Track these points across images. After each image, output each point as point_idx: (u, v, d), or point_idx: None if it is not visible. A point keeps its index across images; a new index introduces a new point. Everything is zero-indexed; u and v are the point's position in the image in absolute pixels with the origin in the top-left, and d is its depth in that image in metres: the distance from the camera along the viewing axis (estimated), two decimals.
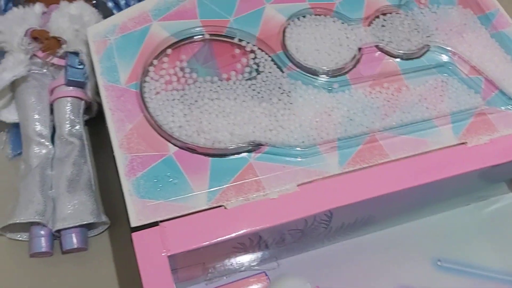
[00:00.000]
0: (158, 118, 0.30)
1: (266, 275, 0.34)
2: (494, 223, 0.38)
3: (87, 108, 0.37)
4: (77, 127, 0.35)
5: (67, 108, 0.35)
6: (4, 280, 0.33)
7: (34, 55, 0.35)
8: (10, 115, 0.36)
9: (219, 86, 0.31)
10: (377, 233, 0.36)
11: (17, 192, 0.33)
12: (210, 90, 0.31)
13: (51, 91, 0.35)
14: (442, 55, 0.35)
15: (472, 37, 0.36)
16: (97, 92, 0.35)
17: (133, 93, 0.31)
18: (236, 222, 0.27)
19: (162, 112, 0.30)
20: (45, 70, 0.36)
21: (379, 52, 0.35)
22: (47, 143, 0.34)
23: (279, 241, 0.30)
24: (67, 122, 0.34)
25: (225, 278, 0.33)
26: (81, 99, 0.35)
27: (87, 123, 0.37)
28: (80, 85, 0.35)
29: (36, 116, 0.34)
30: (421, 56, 0.35)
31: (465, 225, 0.37)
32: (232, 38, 0.34)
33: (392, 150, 0.31)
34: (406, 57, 0.35)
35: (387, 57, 0.35)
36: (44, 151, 0.34)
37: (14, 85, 0.35)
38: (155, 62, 0.32)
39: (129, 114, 0.30)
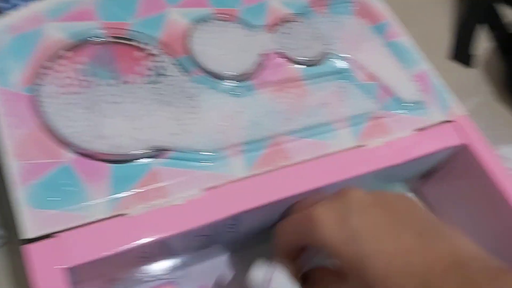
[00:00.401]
0: (55, 123, 0.28)
1: (176, 284, 0.33)
2: None
3: None
4: None
5: None
6: None
7: None
8: None
9: (121, 90, 0.30)
10: None
11: None
12: (112, 94, 0.30)
13: None
14: (341, 62, 0.37)
15: (368, 46, 0.39)
16: None
17: (26, 97, 0.29)
18: (139, 230, 0.26)
19: (59, 117, 0.28)
20: None
21: (282, 59, 0.36)
22: None
23: (186, 248, 0.30)
24: None
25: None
26: None
27: None
28: None
29: None
30: (321, 63, 0.36)
31: None
32: (134, 40, 0.33)
33: (295, 153, 0.31)
34: (308, 64, 0.36)
35: (290, 63, 0.36)
36: None
37: None
38: (50, 64, 0.30)
39: (23, 119, 0.28)
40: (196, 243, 0.30)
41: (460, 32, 0.55)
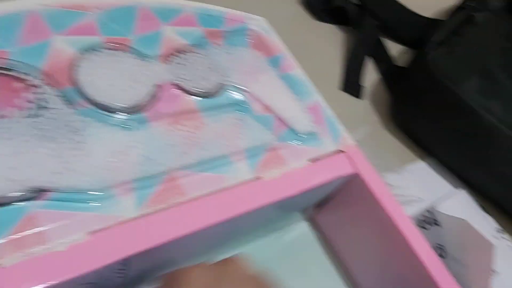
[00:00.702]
0: None
1: None
2: (293, 249, 0.40)
3: None
4: None
5: None
6: None
7: None
8: None
9: None
10: None
11: None
12: None
13: None
14: (237, 94, 0.37)
15: (264, 78, 0.39)
16: None
17: None
18: (14, 282, 0.23)
19: None
20: None
21: (178, 90, 0.35)
22: None
23: None
24: None
25: None
26: None
27: None
28: None
29: None
30: (217, 94, 0.36)
31: (269, 255, 0.39)
32: (12, 70, 0.30)
33: (190, 188, 0.30)
34: (204, 95, 0.35)
35: (186, 94, 0.35)
36: None
37: None
38: None
39: None
40: None
41: (349, 65, 0.58)
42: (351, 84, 0.56)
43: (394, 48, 0.63)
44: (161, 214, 0.29)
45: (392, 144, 0.54)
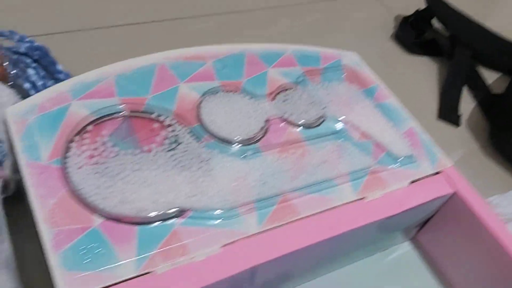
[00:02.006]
0: (82, 191, 0.31)
1: None
2: (396, 269, 0.42)
3: (3, 187, 0.36)
4: None
5: None
6: None
7: None
8: None
9: (140, 158, 0.33)
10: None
11: None
12: (132, 162, 0.33)
13: None
14: (336, 123, 0.41)
15: (360, 107, 0.42)
16: (15, 170, 0.35)
17: (55, 169, 0.31)
18: (164, 286, 0.28)
19: (86, 185, 0.31)
20: None
21: (283, 123, 0.39)
22: None
23: None
24: None
25: None
26: None
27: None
28: None
29: None
30: (318, 125, 0.40)
31: (372, 274, 0.41)
32: (151, 113, 0.36)
33: (302, 208, 0.34)
34: (306, 126, 0.40)
35: (291, 126, 0.39)
36: None
37: None
38: (76, 138, 0.33)
39: (52, 190, 0.30)
40: None
41: (445, 93, 0.60)
42: (449, 112, 0.58)
43: (489, 76, 0.64)
44: (279, 231, 0.33)
45: (492, 169, 0.54)
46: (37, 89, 0.42)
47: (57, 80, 0.45)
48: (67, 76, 0.46)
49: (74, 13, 0.59)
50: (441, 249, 0.42)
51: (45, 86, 0.43)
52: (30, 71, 0.43)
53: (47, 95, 0.35)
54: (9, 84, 0.40)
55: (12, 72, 0.42)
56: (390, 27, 0.69)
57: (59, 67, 0.46)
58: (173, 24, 0.61)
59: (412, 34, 0.66)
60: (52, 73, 0.46)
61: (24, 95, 0.38)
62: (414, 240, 0.45)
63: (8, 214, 0.36)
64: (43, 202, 0.30)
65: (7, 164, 0.36)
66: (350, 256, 0.41)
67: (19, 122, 0.33)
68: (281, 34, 0.63)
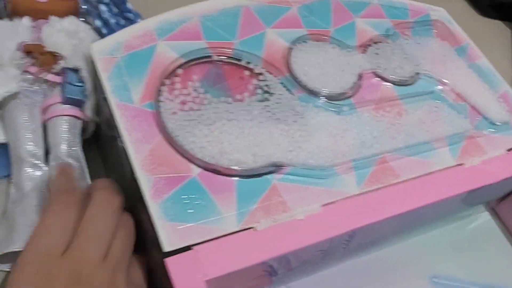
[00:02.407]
0: (178, 139, 0.29)
1: None
2: (475, 239, 0.41)
3: (82, 129, 0.34)
4: (75, 148, 0.32)
5: (64, 127, 0.32)
6: None
7: (25, 71, 0.33)
8: None
9: (234, 107, 0.31)
10: (376, 254, 0.37)
11: (10, 218, 0.30)
12: (226, 111, 0.31)
13: (44, 110, 0.33)
14: (431, 82, 0.38)
15: (454, 67, 0.39)
16: (96, 112, 0.34)
17: (148, 112, 0.29)
18: (267, 244, 0.27)
19: (182, 133, 0.29)
20: (36, 87, 0.33)
21: (376, 78, 0.37)
22: (41, 165, 0.32)
23: (303, 262, 0.30)
24: (64, 142, 0.32)
25: None
26: (78, 118, 0.33)
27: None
28: (78, 104, 0.33)
29: (29, 136, 0.32)
30: (413, 82, 0.37)
31: (452, 243, 0.40)
32: (240, 60, 0.34)
33: (401, 171, 0.32)
34: (401, 83, 0.37)
35: (384, 83, 0.36)
36: (38, 173, 0.31)
37: (2, 103, 0.33)
38: (167, 82, 0.31)
39: (147, 135, 0.29)
40: (312, 257, 0.30)
41: None
42: None
43: None
44: (379, 193, 0.31)
45: None
46: (109, 27, 0.40)
47: (127, 20, 0.43)
48: (137, 16, 0.43)
49: None
50: None
51: (118, 25, 0.40)
52: (103, 7, 0.41)
53: (132, 33, 0.33)
54: (80, 20, 0.37)
55: (83, 7, 0.40)
56: None
57: (129, 5, 0.44)
58: None
59: None
60: (122, 11, 0.43)
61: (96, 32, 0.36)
62: (493, 210, 0.43)
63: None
64: (139, 148, 0.28)
65: (89, 104, 0.34)
66: (435, 223, 0.39)
67: (106, 60, 0.31)
68: None
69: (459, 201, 0.35)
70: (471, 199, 0.36)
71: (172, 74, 0.32)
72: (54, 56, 0.33)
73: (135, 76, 0.31)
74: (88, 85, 0.33)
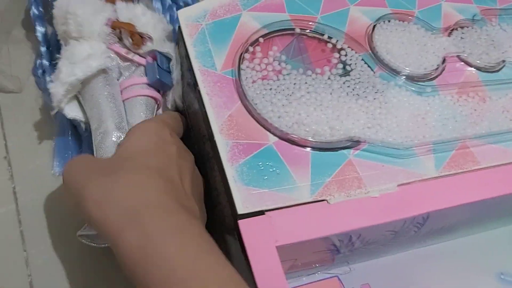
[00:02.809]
0: (257, 107, 0.29)
1: (339, 279, 0.33)
2: None
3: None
4: None
5: (143, 107, 0.33)
6: None
7: (110, 48, 0.33)
8: (71, 111, 0.33)
9: (314, 80, 0.31)
10: (444, 244, 0.36)
11: None
12: (306, 83, 0.31)
13: (125, 88, 0.33)
14: None
15: None
16: (182, 100, 0.34)
17: (229, 79, 0.30)
18: (339, 218, 0.27)
19: (261, 101, 0.29)
20: (114, 64, 0.34)
21: (461, 63, 0.35)
22: None
23: (371, 241, 0.30)
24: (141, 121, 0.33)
25: (304, 278, 0.32)
26: (156, 100, 0.34)
27: None
28: (164, 88, 0.34)
29: (114, 110, 0.32)
30: (499, 69, 0.36)
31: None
32: (322, 34, 0.33)
33: (482, 158, 0.31)
34: (486, 69, 0.35)
35: (468, 67, 0.35)
36: None
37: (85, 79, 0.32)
38: (249, 50, 0.31)
39: (227, 101, 0.29)
40: (382, 237, 0.30)
41: None
42: None
43: None
44: (457, 178, 0.30)
45: None
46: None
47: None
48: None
49: None
50: None
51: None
52: None
53: (218, 2, 0.33)
54: None
55: None
56: None
57: None
58: None
59: None
60: None
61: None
62: None
63: None
64: (219, 112, 0.28)
65: (176, 91, 0.34)
66: (508, 218, 0.37)
67: (191, 26, 0.31)
68: None
69: None
70: None
71: (254, 43, 0.32)
72: (142, 38, 0.34)
73: (218, 43, 0.31)
74: (175, 74, 0.33)
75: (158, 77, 0.33)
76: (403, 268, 0.35)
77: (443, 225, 0.31)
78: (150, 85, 0.34)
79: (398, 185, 0.28)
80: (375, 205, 0.27)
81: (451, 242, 0.36)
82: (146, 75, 0.34)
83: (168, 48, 0.34)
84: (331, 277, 0.33)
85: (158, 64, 0.33)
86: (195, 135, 0.32)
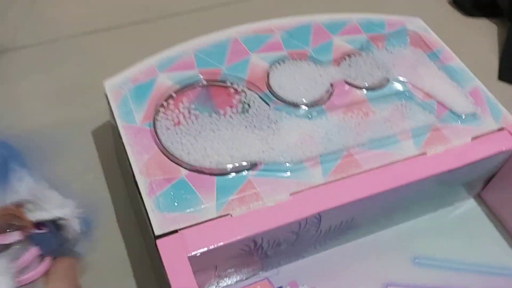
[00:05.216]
0: (170, 148, 0.36)
1: (269, 281, 0.39)
2: (459, 224, 0.44)
3: None
4: None
5: None
6: None
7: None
8: None
9: (217, 120, 0.38)
10: (362, 239, 0.42)
11: None
12: (211, 123, 0.38)
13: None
14: (400, 85, 0.43)
15: (424, 69, 0.44)
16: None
17: (147, 130, 0.37)
18: (241, 226, 0.33)
19: (173, 143, 0.36)
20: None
21: (348, 86, 0.42)
22: None
23: (278, 243, 0.36)
24: None
25: (233, 285, 0.38)
26: None
27: None
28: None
29: None
30: (383, 87, 0.42)
31: (435, 228, 0.43)
32: (225, 82, 0.40)
33: (365, 162, 0.37)
34: (370, 88, 0.42)
35: (355, 89, 0.42)
36: None
37: None
38: (164, 103, 0.38)
39: (146, 147, 0.36)
40: (285, 239, 0.36)
41: (507, 53, 0.59)
42: (509, 73, 0.57)
43: None
44: (342, 182, 0.36)
45: None
46: None
47: None
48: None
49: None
50: (505, 205, 0.43)
51: None
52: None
53: (138, 69, 0.40)
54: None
55: None
56: None
57: None
58: (239, 3, 0.64)
59: None
60: None
61: None
62: (479, 197, 0.46)
63: None
64: (139, 158, 0.35)
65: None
66: (415, 210, 0.43)
67: (116, 92, 0.39)
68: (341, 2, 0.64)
69: (428, 186, 0.39)
70: (440, 184, 0.40)
71: (168, 98, 0.39)
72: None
73: (138, 102, 0.38)
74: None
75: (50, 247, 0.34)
76: (326, 264, 0.40)
77: (340, 222, 0.37)
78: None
79: (291, 194, 0.35)
80: (272, 213, 0.34)
81: (369, 238, 0.42)
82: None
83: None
84: (262, 280, 0.39)
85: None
86: (130, 177, 0.39)
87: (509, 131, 0.40)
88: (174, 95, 0.39)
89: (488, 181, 0.44)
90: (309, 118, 0.39)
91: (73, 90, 0.52)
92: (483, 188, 0.45)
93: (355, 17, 0.48)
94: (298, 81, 0.41)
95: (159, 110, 0.38)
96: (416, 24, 0.48)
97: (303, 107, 0.40)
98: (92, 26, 0.59)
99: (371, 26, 0.47)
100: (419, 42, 0.47)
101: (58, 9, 0.60)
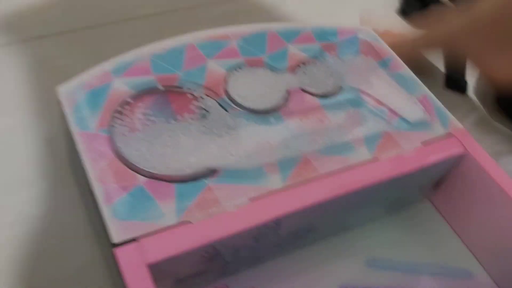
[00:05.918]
0: (127, 155, 0.35)
1: (228, 287, 0.39)
2: (413, 227, 0.46)
3: None
4: None
5: None
6: None
7: None
8: None
9: (175, 126, 0.38)
10: (319, 244, 0.43)
11: None
12: (168, 129, 0.37)
13: None
14: (353, 92, 0.44)
15: (375, 77, 0.46)
16: None
17: (103, 137, 0.36)
18: (201, 233, 0.33)
19: (130, 150, 0.35)
20: None
21: (303, 93, 0.43)
22: None
23: (237, 249, 0.36)
24: None
25: None
26: None
27: None
28: None
29: None
30: (336, 94, 0.44)
31: (390, 231, 0.45)
32: (182, 87, 0.40)
33: (321, 167, 0.38)
34: (324, 96, 0.43)
35: (310, 96, 0.43)
36: None
37: None
38: (120, 109, 0.38)
39: (101, 154, 0.35)
40: (247, 244, 0.36)
41: (450, 63, 0.63)
42: (454, 81, 0.61)
43: None
44: (300, 186, 0.36)
45: (500, 133, 0.56)
46: None
47: None
48: None
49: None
50: (453, 208, 0.45)
51: None
52: None
53: (92, 74, 0.40)
54: None
55: None
56: (394, 1, 0.71)
57: None
58: (196, 10, 0.65)
59: (417, 8, 0.68)
60: None
61: None
62: (431, 200, 0.48)
63: None
64: (95, 164, 0.34)
65: None
66: (370, 213, 0.44)
67: (69, 99, 0.38)
68: (292, 12, 0.66)
69: (382, 190, 0.40)
70: (393, 187, 0.41)
71: (124, 104, 0.38)
72: None
73: (93, 108, 0.37)
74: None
75: None
76: (284, 269, 0.41)
77: (299, 226, 0.38)
78: None
79: (250, 199, 0.35)
80: (231, 218, 0.34)
81: (325, 242, 0.43)
82: None
83: None
84: (221, 286, 0.39)
85: None
86: (86, 185, 0.38)
87: (456, 137, 0.42)
88: (130, 100, 0.38)
89: (438, 184, 0.46)
90: (266, 125, 0.40)
91: (26, 96, 0.50)
92: (434, 191, 0.47)
93: (309, 26, 0.49)
94: (255, 88, 0.42)
95: (115, 116, 0.37)
96: (366, 33, 0.50)
97: (261, 113, 0.40)
98: (46, 31, 0.57)
99: (324, 35, 0.49)
100: (369, 51, 0.49)
101: (10, 13, 0.58)
